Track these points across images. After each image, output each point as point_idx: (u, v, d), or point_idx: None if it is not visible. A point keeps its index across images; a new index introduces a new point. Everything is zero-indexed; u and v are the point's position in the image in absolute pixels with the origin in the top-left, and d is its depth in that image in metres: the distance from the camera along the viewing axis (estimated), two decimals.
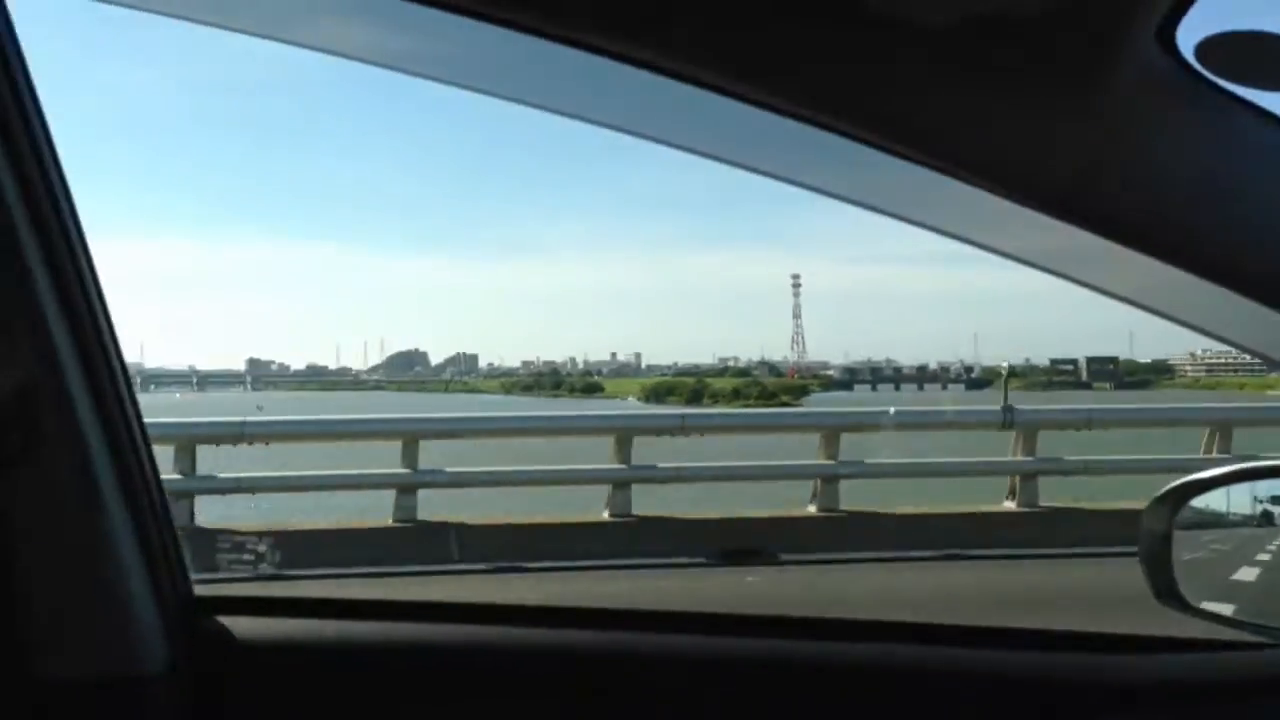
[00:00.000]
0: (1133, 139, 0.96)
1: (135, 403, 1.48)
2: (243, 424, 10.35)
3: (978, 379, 29.10)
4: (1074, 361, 28.67)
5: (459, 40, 1.02)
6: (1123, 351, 29.71)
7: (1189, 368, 29.41)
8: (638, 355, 32.11)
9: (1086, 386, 27.04)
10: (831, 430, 10.45)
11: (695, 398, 25.34)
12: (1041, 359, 29.22)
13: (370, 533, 9.41)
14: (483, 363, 32.41)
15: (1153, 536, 1.50)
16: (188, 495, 9.17)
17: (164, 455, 9.23)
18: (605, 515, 9.94)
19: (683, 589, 8.14)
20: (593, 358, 32.16)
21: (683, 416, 12.75)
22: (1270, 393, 24.03)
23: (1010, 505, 10.27)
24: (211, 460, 9.79)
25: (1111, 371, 28.23)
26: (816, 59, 0.93)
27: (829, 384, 29.66)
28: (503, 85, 1.13)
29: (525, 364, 31.78)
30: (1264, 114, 0.97)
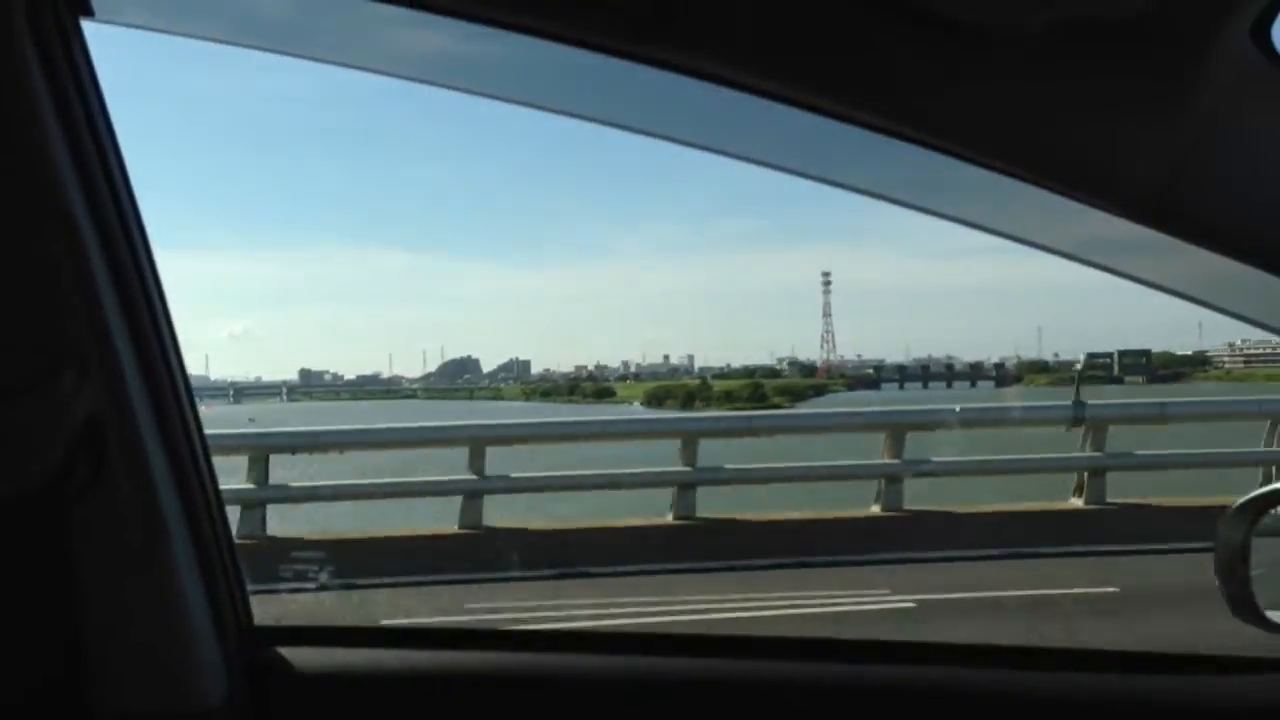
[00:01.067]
0: (1227, 139, 0.93)
1: (201, 431, 1.47)
2: (316, 434, 10.60)
3: (1009, 375, 28.67)
4: (1110, 355, 28.11)
5: (516, 55, 1.03)
6: (1194, 344, 29.04)
7: (1226, 359, 28.61)
8: (690, 358, 31.75)
9: (1118, 381, 26.60)
10: (894, 429, 10.38)
11: (689, 401, 25.31)
12: (1077, 353, 28.73)
13: (437, 539, 9.49)
14: (537, 369, 32.25)
15: (1229, 548, 1.43)
16: (260, 504, 9.30)
17: (238, 465, 9.45)
18: (669, 518, 9.93)
19: (756, 594, 8.19)
20: (646, 361, 31.90)
21: (749, 419, 12.70)
22: None
23: (1077, 502, 10.13)
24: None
25: (1144, 365, 27.76)
26: (897, 66, 0.92)
27: (854, 383, 29.18)
28: (557, 99, 1.15)
29: (578, 369, 31.59)
30: None
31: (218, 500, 1.49)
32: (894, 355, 30.92)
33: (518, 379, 31.81)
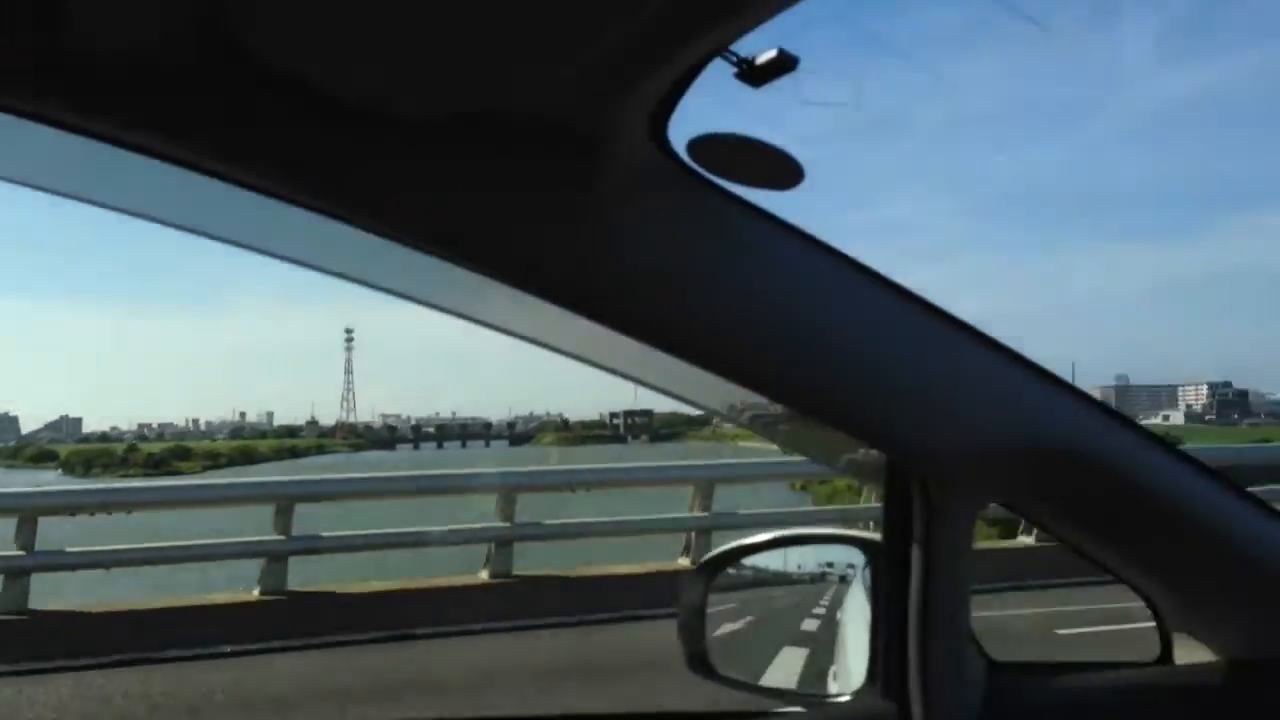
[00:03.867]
0: (628, 232, 0.99)
1: None
2: (99, 491, 9.84)
3: (520, 434, 30.70)
4: (619, 415, 30.05)
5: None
6: None
7: (727, 420, 30.48)
8: (269, 414, 31.77)
9: (623, 440, 28.62)
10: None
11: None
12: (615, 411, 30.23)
13: (232, 608, 8.85)
14: (91, 426, 31.31)
15: (688, 609, 1.49)
16: (23, 574, 8.51)
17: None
18: (484, 576, 9.64)
19: (564, 649, 7.95)
20: (215, 419, 31.38)
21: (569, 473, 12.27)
22: (742, 444, 24.91)
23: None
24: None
25: (647, 425, 30.39)
26: (292, 140, 0.91)
27: (361, 445, 30.00)
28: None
29: (141, 426, 31.14)
30: (749, 206, 1.02)
31: None
32: (498, 413, 31.56)
33: (67, 439, 30.82)
